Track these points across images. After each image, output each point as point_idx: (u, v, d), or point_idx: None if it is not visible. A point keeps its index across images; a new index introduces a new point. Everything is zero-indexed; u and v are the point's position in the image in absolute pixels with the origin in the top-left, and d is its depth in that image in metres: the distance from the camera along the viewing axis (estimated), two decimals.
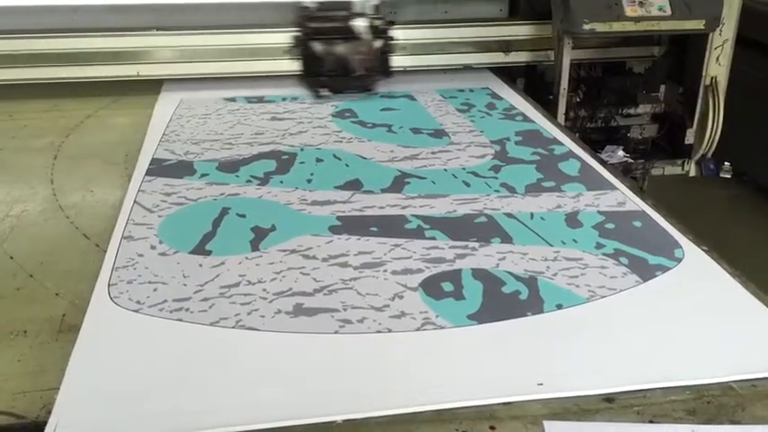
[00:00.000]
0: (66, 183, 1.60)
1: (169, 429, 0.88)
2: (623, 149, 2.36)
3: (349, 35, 2.15)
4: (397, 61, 2.28)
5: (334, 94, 2.18)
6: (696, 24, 2.05)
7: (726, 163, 2.88)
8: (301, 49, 2.16)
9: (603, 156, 2.31)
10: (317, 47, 2.15)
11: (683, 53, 2.29)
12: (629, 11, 2.02)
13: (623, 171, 2.32)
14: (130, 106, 2.13)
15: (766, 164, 3.11)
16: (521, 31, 2.34)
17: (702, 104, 2.20)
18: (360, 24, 2.14)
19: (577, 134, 2.37)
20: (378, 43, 2.19)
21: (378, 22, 2.19)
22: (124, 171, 1.65)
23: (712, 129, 2.18)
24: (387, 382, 0.97)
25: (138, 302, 1.14)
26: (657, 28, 2.06)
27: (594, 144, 2.38)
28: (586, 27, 2.03)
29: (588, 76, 2.39)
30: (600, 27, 2.03)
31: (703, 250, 1.31)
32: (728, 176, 2.89)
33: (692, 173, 2.29)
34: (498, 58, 2.34)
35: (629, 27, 2.04)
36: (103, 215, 1.43)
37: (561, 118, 2.18)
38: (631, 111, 2.32)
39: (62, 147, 1.80)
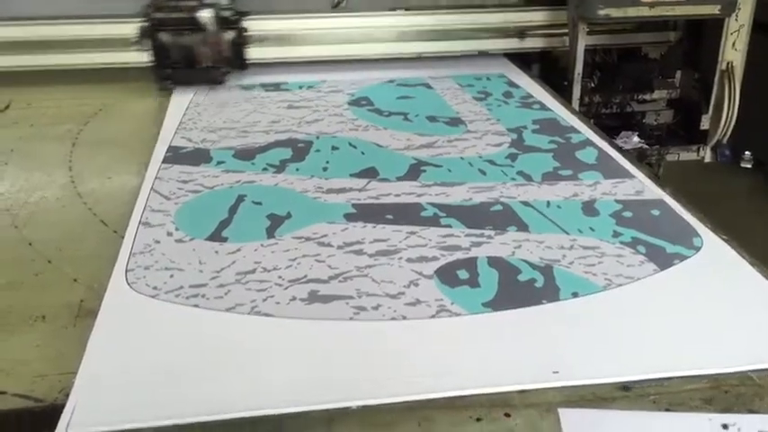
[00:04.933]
0: (84, 170, 1.61)
1: (185, 413, 0.89)
2: (638, 135, 2.34)
3: (195, 26, 2.08)
4: (410, 47, 2.28)
5: (178, 86, 2.12)
6: (711, 9, 2.02)
7: (746, 153, 2.84)
8: (150, 40, 2.10)
9: (618, 141, 2.29)
10: (164, 38, 2.09)
11: (700, 38, 2.26)
12: None
13: (638, 157, 2.30)
14: (148, 94, 2.13)
15: None
16: (536, 16, 2.32)
17: (718, 90, 2.17)
18: (205, 15, 2.06)
19: (592, 120, 2.36)
20: (228, 35, 2.12)
21: (228, 13, 2.12)
22: (141, 159, 1.66)
23: (728, 114, 2.16)
24: (402, 369, 0.97)
25: (155, 288, 1.15)
26: (672, 13, 2.03)
27: (609, 130, 2.35)
28: (601, 12, 2.01)
29: (603, 61, 2.37)
30: (615, 13, 2.01)
31: (723, 239, 1.29)
32: (749, 166, 2.85)
33: (708, 159, 2.27)
34: (513, 44, 2.32)
35: (644, 12, 2.01)
36: (121, 202, 1.44)
37: (576, 103, 2.17)
38: (647, 96, 2.30)
39: (80, 134, 1.81)
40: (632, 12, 2.02)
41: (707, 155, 2.28)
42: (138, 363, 0.99)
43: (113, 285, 1.15)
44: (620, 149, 1.72)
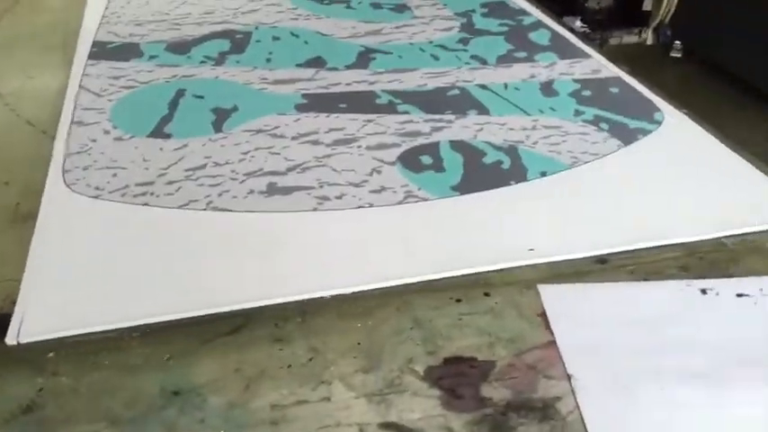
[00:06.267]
0: (2, 69, 1.46)
1: (142, 314, 0.83)
2: (581, 20, 2.28)
3: None
4: None
5: None
6: None
7: (676, 42, 2.83)
8: None
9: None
10: None
11: None
12: None
13: (582, 39, 2.26)
14: None
15: (718, 41, 3.08)
16: None
17: None
18: None
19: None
20: None
21: None
22: (64, 55, 1.52)
23: None
24: (374, 256, 0.93)
25: (98, 188, 1.06)
26: None
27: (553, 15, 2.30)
28: None
29: None
30: None
31: (684, 113, 1.28)
32: (678, 56, 2.85)
33: (650, 41, 2.23)
34: None
35: None
36: (47, 101, 1.32)
37: None
38: None
39: None
40: None
41: (649, 37, 2.24)
42: (84, 267, 0.91)
43: (51, 187, 1.06)
44: (572, 30, 1.67)
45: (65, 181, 1.08)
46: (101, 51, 1.54)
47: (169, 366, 0.77)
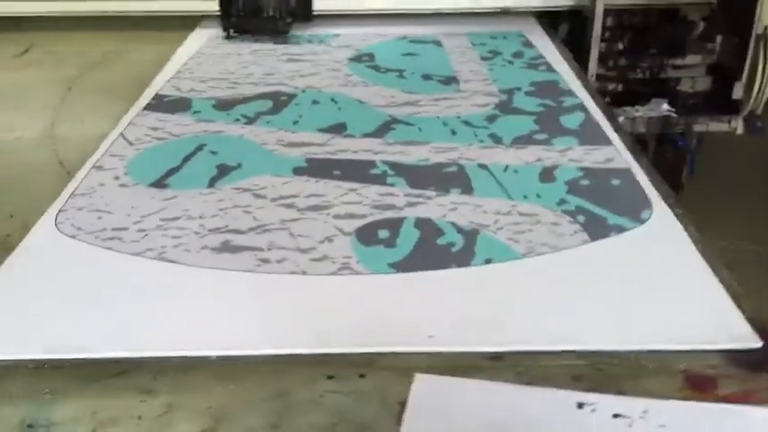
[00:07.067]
0: (68, 114, 1.67)
1: (42, 349, 0.91)
2: (669, 103, 2.19)
3: None
4: (423, 3, 2.21)
5: (242, 34, 2.15)
6: None
7: None
8: None
9: (645, 108, 2.17)
10: None
11: (743, 0, 2.08)
12: None
13: (662, 126, 2.17)
14: (162, 42, 2.16)
15: None
16: None
17: (753, 56, 1.99)
18: None
19: (620, 85, 2.24)
20: None
21: None
22: (127, 105, 1.69)
23: (762, 82, 1.98)
24: (269, 322, 0.96)
25: (79, 229, 1.18)
26: None
27: (641, 96, 2.23)
28: None
29: (635, 23, 2.23)
30: None
31: (675, 213, 1.21)
32: None
33: (740, 130, 2.10)
34: (535, 1, 2.21)
35: None
36: (87, 145, 1.48)
37: (594, 66, 2.05)
38: (678, 61, 2.15)
39: (79, 79, 1.87)
40: None
41: (739, 126, 2.11)
42: (33, 297, 1.02)
43: (41, 224, 1.20)
44: (611, 116, 1.62)
45: (56, 219, 1.21)
46: (157, 104, 1.70)
47: (44, 401, 0.85)
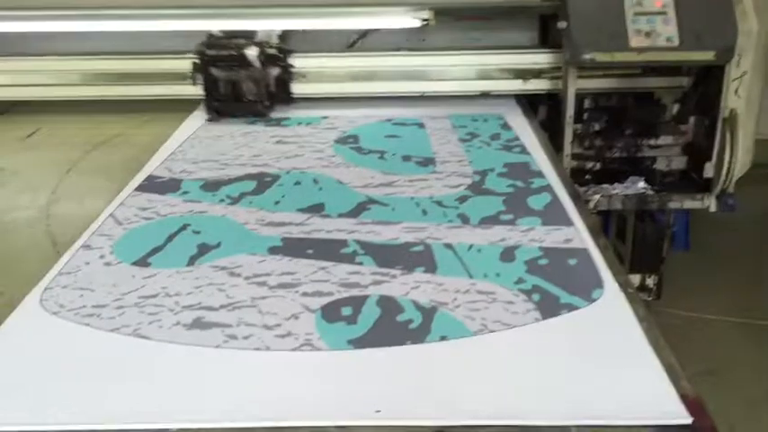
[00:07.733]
0: (65, 195, 1.77)
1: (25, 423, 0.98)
2: (646, 180, 2.28)
3: (243, 63, 2.25)
4: (413, 87, 2.34)
5: (222, 117, 2.29)
6: (705, 56, 1.97)
7: None
8: (202, 74, 2.28)
9: (621, 186, 2.25)
10: (215, 72, 2.27)
11: (713, 84, 2.19)
12: (635, 41, 1.96)
13: (638, 203, 2.25)
14: (162, 123, 2.28)
15: None
16: (542, 59, 2.32)
17: (721, 137, 2.09)
18: (252, 53, 2.24)
19: (597, 164, 2.33)
20: (274, 71, 2.29)
21: (273, 51, 2.29)
22: (122, 186, 1.79)
23: (730, 163, 2.07)
24: (230, 397, 1.03)
25: (61, 306, 1.26)
26: (663, 59, 1.99)
27: (618, 175, 2.32)
28: (587, 57, 2.00)
29: (612, 105, 2.34)
30: (601, 57, 1.99)
31: (626, 293, 1.27)
32: None
33: (713, 208, 2.18)
34: (516, 85, 2.33)
35: (632, 58, 1.98)
36: (80, 225, 1.57)
37: (568, 147, 2.15)
38: (651, 142, 2.24)
39: (80, 161, 1.99)
40: (620, 57, 2.00)
41: (712, 204, 2.19)
42: (9, 370, 1.09)
43: (26, 301, 1.28)
44: (577, 197, 1.70)
45: (41, 297, 1.29)
46: (149, 184, 1.80)
47: None
